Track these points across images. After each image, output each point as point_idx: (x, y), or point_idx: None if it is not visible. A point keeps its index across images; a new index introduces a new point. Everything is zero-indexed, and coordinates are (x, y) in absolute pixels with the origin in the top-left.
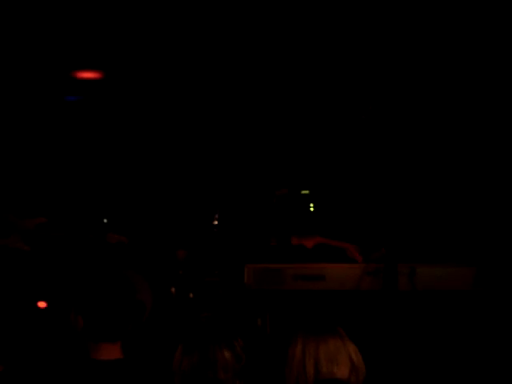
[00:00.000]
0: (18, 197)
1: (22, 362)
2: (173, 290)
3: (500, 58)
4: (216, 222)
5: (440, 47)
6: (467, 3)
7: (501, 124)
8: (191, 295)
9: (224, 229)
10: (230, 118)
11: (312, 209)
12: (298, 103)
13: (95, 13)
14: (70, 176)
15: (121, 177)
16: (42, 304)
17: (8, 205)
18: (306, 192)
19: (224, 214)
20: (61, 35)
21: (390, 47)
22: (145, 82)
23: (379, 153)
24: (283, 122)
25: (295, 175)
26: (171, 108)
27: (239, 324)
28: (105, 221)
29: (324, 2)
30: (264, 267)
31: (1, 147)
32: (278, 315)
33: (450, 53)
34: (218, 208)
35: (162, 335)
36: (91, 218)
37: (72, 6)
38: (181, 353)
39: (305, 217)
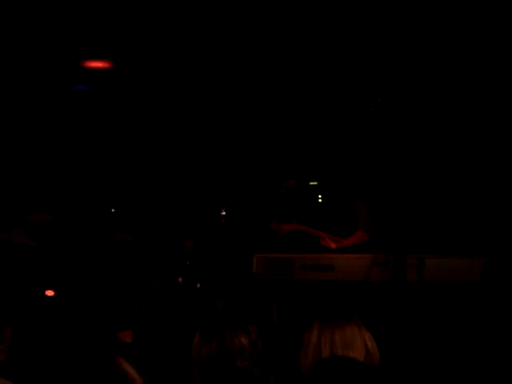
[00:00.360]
0: (23, 192)
1: (32, 349)
2: (180, 279)
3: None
4: (224, 213)
5: (445, 45)
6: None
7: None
8: (198, 285)
9: (232, 219)
10: (237, 110)
11: (320, 200)
12: (308, 96)
13: (104, 2)
14: (76, 168)
15: (129, 168)
16: (49, 293)
17: (13, 200)
18: (315, 183)
19: (232, 205)
20: (70, 25)
21: (397, 41)
22: (153, 72)
23: (388, 144)
24: (291, 113)
25: (303, 166)
26: (179, 99)
27: (251, 312)
28: (112, 210)
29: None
30: (273, 257)
31: (8, 140)
32: (285, 304)
33: (455, 50)
34: (226, 199)
35: (170, 323)
36: (97, 214)
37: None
38: (199, 340)
39: (313, 208)
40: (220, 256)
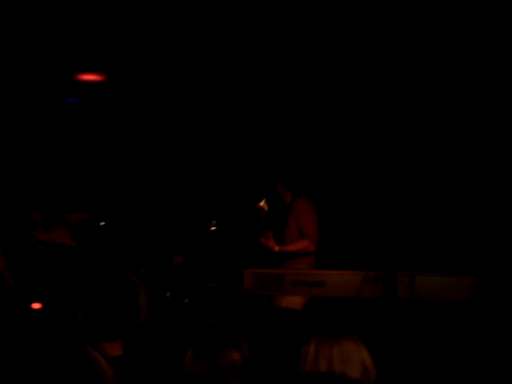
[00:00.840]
0: (60, 192)
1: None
2: (168, 294)
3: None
4: (213, 228)
5: (442, 45)
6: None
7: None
8: (186, 300)
9: (222, 234)
10: (228, 123)
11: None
12: (301, 105)
13: (97, 15)
14: (64, 178)
15: (119, 180)
16: (36, 305)
17: (51, 200)
18: None
19: (221, 220)
20: (63, 37)
21: (393, 47)
22: (146, 85)
23: (380, 158)
24: (283, 124)
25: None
26: (172, 111)
27: (242, 327)
28: (102, 224)
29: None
30: (263, 272)
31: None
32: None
33: (451, 51)
34: (216, 213)
35: (157, 338)
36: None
37: (74, 8)
38: (191, 356)
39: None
40: (209, 271)
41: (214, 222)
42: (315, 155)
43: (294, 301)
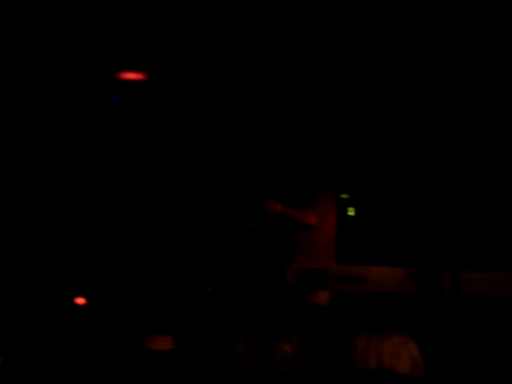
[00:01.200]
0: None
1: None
2: (209, 290)
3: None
4: (254, 225)
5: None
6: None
7: None
8: (228, 296)
9: (262, 231)
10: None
11: (352, 213)
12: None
13: (139, 14)
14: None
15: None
16: (80, 300)
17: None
18: (346, 196)
19: (262, 217)
20: (105, 36)
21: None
22: (187, 84)
23: (426, 153)
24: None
25: (335, 179)
26: (213, 111)
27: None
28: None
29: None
30: (306, 268)
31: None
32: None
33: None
34: (255, 211)
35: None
36: None
37: (116, 7)
38: (243, 346)
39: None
40: (251, 267)
41: (253, 218)
42: (356, 149)
43: (321, 296)
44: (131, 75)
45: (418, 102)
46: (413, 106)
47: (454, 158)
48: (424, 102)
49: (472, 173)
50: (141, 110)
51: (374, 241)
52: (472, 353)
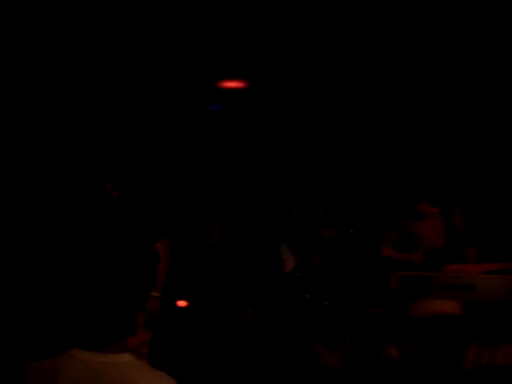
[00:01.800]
0: None
1: None
2: (307, 296)
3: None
4: (352, 231)
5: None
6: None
7: None
8: (325, 302)
9: (360, 236)
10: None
11: None
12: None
13: (240, 24)
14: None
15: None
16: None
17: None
18: None
19: (361, 222)
20: (206, 46)
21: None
22: (287, 91)
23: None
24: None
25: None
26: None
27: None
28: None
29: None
30: (411, 274)
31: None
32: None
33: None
34: (353, 216)
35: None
36: None
37: (217, 18)
38: (349, 345)
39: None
40: (348, 272)
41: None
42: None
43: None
44: (232, 84)
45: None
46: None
47: None
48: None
49: None
50: (241, 117)
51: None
52: None
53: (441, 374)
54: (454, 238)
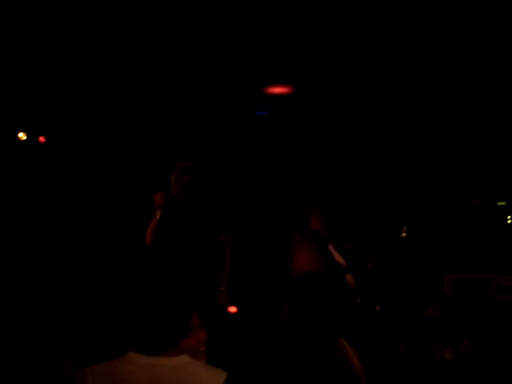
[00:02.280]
0: None
1: None
2: (359, 300)
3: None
4: (404, 234)
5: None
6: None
7: None
8: (377, 307)
9: (413, 241)
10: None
11: (509, 221)
12: None
13: (287, 30)
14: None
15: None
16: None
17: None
18: (503, 203)
19: (413, 227)
20: (253, 51)
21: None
22: (332, 97)
23: None
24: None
25: (490, 185)
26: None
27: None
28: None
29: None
30: (466, 278)
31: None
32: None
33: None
34: (407, 220)
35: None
36: None
37: (263, 24)
38: (402, 348)
39: (501, 229)
40: (401, 278)
41: (404, 228)
42: None
43: None
44: (278, 89)
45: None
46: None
47: None
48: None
49: None
50: (288, 123)
51: None
52: None
53: (497, 375)
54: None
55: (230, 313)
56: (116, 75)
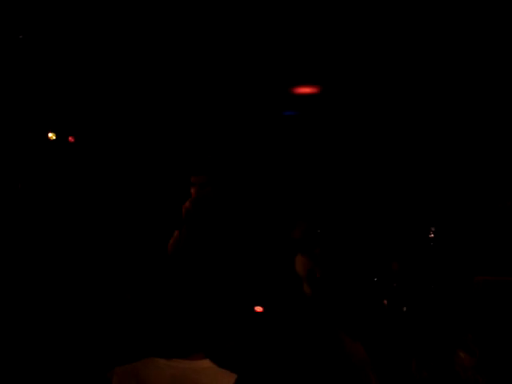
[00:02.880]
0: None
1: None
2: (385, 302)
3: None
4: (432, 235)
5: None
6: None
7: None
8: (404, 309)
9: (441, 242)
10: None
11: None
12: None
13: (314, 31)
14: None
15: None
16: (258, 309)
17: None
18: None
19: (442, 227)
20: (280, 51)
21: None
22: (359, 97)
23: None
24: None
25: None
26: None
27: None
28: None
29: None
30: (495, 280)
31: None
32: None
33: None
34: (434, 221)
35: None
36: None
37: (291, 24)
38: (416, 366)
39: None
40: (428, 279)
41: (432, 229)
42: None
43: None
44: (305, 89)
45: None
46: None
47: None
48: None
49: None
50: (314, 123)
51: None
52: None
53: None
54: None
55: (256, 312)
56: (130, 75)
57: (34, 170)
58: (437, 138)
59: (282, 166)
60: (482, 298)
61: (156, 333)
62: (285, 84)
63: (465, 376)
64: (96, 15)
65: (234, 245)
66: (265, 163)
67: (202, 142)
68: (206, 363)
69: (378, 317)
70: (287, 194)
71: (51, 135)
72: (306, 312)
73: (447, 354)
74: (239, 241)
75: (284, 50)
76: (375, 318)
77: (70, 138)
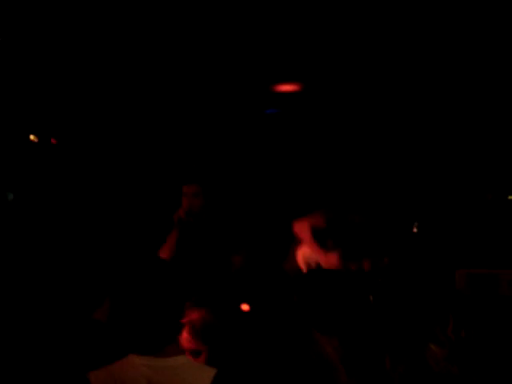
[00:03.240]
0: None
1: None
2: (371, 297)
3: None
4: (415, 230)
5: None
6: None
7: None
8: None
9: (425, 236)
10: None
11: None
12: None
13: (293, 26)
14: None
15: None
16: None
17: None
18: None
19: (425, 221)
20: (260, 48)
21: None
22: (342, 95)
23: None
24: None
25: (501, 179)
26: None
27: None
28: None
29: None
30: (477, 273)
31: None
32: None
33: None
34: (418, 215)
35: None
36: None
37: (271, 20)
38: (390, 363)
39: None
40: (414, 274)
41: (415, 223)
42: None
43: None
44: (286, 87)
45: None
46: None
47: None
48: None
49: None
50: (296, 121)
51: None
52: None
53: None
54: None
55: (242, 311)
56: (118, 75)
57: (23, 173)
58: (417, 134)
59: (268, 166)
60: (464, 290)
61: (133, 328)
62: (266, 82)
63: (438, 368)
64: (88, 13)
65: (226, 253)
66: (252, 164)
67: (191, 150)
68: (182, 359)
69: (360, 313)
70: (275, 194)
71: (33, 137)
72: (287, 311)
73: (419, 348)
74: (232, 248)
75: (264, 47)
76: (358, 314)
77: (52, 140)
